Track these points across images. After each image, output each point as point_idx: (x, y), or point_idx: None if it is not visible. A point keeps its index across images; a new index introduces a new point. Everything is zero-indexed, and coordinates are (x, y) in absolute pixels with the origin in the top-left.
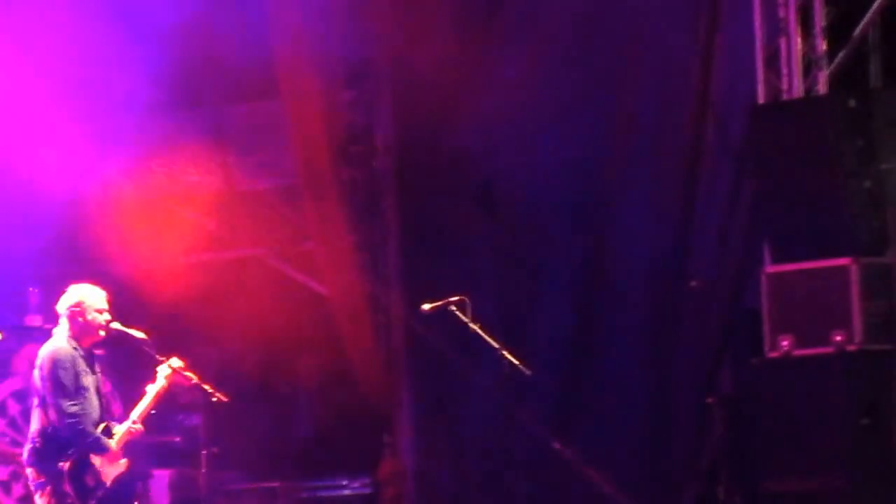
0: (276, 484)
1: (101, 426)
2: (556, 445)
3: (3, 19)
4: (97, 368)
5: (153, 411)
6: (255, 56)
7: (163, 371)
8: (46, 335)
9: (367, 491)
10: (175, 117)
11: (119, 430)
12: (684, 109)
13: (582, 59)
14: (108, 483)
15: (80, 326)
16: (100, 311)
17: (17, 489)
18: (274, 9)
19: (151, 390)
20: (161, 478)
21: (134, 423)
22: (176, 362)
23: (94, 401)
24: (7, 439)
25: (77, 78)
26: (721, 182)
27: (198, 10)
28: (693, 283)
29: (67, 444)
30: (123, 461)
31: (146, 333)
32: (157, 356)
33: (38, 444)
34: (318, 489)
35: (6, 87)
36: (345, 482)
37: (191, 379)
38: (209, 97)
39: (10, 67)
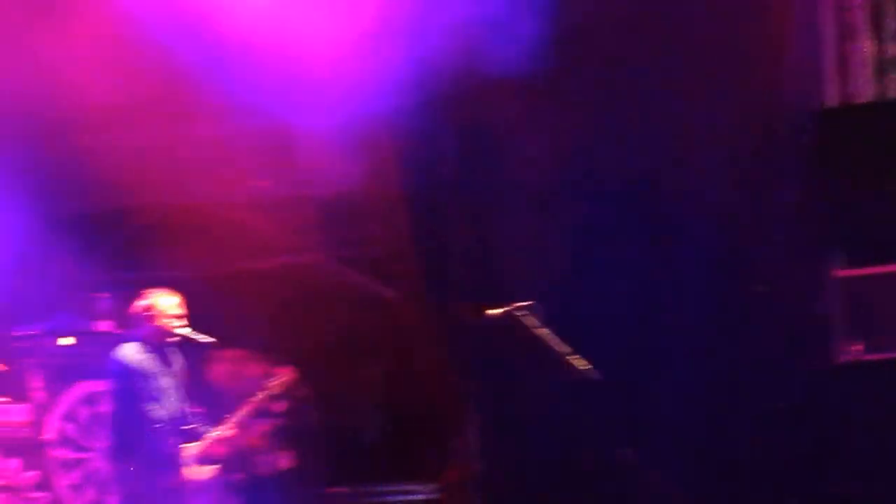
0: (343, 490)
1: (187, 426)
2: (622, 451)
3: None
4: (176, 361)
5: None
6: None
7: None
8: (116, 340)
9: (434, 497)
10: (242, 123)
11: (206, 436)
12: (754, 113)
13: (650, 64)
14: (191, 485)
15: (152, 330)
16: (171, 317)
17: (89, 493)
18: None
19: (252, 402)
20: (216, 485)
21: (220, 432)
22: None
23: (171, 399)
24: (77, 444)
25: (144, 84)
26: (790, 186)
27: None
28: (759, 288)
29: (140, 447)
30: (209, 468)
31: (215, 340)
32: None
33: (115, 448)
34: (384, 495)
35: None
36: (411, 488)
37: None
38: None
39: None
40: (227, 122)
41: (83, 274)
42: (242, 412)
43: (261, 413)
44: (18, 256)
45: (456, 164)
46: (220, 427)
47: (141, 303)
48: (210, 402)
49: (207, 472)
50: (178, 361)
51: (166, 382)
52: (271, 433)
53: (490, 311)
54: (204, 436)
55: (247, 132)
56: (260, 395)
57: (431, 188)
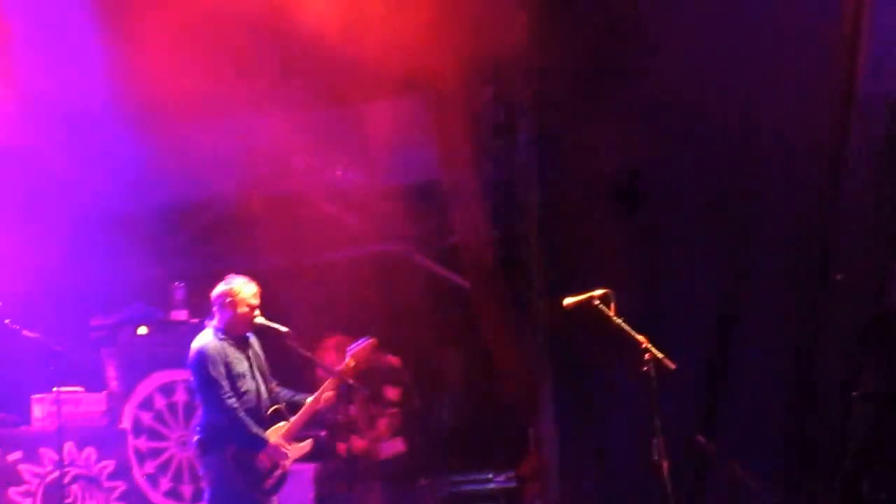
0: (420, 478)
1: (271, 409)
2: (700, 440)
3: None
4: (254, 350)
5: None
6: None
7: (329, 385)
8: (192, 329)
9: (512, 485)
10: (318, 114)
11: (286, 421)
12: (828, 104)
13: (723, 54)
14: (285, 467)
15: (230, 318)
16: (250, 306)
17: (164, 483)
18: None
19: (314, 398)
20: (305, 472)
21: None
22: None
23: (251, 385)
24: (154, 433)
25: (225, 74)
26: (865, 178)
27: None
28: (838, 277)
29: (228, 435)
30: (307, 442)
31: (290, 329)
32: (302, 351)
33: (201, 436)
34: (462, 483)
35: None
36: (489, 476)
37: (335, 376)
38: (353, 94)
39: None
40: (310, 112)
41: (160, 264)
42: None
43: (372, 399)
44: (96, 246)
45: (534, 154)
46: (303, 410)
47: (219, 292)
48: (292, 386)
49: (296, 450)
50: (257, 349)
51: (244, 369)
52: (388, 420)
53: (567, 301)
54: (288, 419)
55: (330, 122)
56: (348, 378)
57: (509, 178)
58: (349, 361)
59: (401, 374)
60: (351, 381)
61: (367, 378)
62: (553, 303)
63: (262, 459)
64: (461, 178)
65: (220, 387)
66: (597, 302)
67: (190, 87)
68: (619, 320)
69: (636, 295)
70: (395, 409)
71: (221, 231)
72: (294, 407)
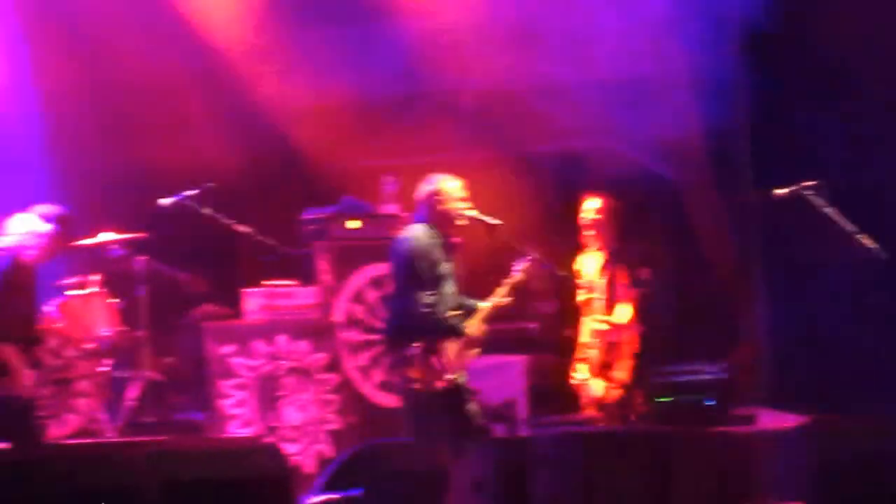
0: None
1: (458, 312)
2: None
3: None
4: (453, 256)
5: (509, 302)
6: None
7: (520, 264)
8: (402, 223)
9: (723, 376)
10: (525, 7)
11: (480, 313)
12: None
13: None
14: (460, 369)
15: (440, 215)
16: (457, 200)
17: (376, 375)
18: None
19: (508, 282)
20: (517, 363)
21: (490, 308)
22: (532, 253)
23: (450, 288)
24: (365, 326)
25: None
26: None
27: None
28: None
29: (420, 332)
30: (476, 350)
31: (501, 222)
32: (513, 244)
33: (391, 331)
34: (674, 375)
35: None
36: (701, 368)
37: (547, 268)
38: None
39: None
40: (518, 5)
41: (371, 158)
42: (503, 297)
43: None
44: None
45: (745, 46)
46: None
47: (426, 187)
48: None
49: (474, 354)
50: (457, 251)
51: (447, 271)
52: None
53: (777, 191)
54: (477, 311)
55: (537, 17)
56: (517, 281)
57: (720, 71)
58: (519, 275)
59: (655, 253)
60: (561, 274)
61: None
62: (763, 194)
63: (437, 361)
64: (671, 71)
65: (425, 283)
66: (808, 192)
67: None
68: (829, 210)
69: (847, 182)
70: (646, 290)
71: (431, 125)
72: (470, 312)
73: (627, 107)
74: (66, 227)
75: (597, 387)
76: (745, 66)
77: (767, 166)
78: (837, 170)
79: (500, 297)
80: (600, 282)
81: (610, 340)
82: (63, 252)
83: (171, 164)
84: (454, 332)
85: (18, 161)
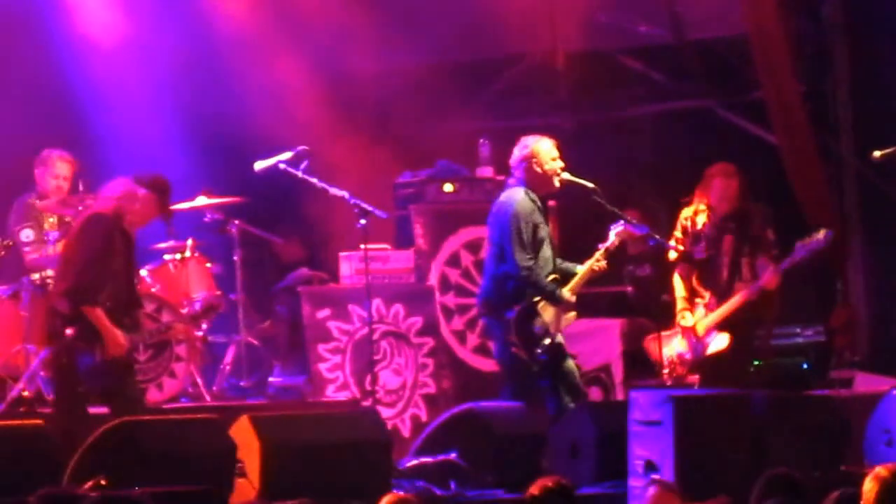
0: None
1: (553, 276)
2: None
3: None
4: (549, 219)
5: (604, 266)
6: None
7: (615, 228)
8: (497, 186)
9: (821, 339)
10: None
11: (577, 277)
12: None
13: None
14: (557, 333)
15: (537, 177)
16: (551, 162)
17: (472, 339)
18: None
19: (604, 246)
20: (613, 327)
21: (586, 272)
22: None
23: (549, 252)
24: (461, 290)
25: None
26: None
27: None
28: None
29: (519, 295)
30: (573, 314)
31: (595, 186)
32: (609, 207)
33: (489, 294)
34: (773, 337)
35: None
36: (798, 330)
37: (644, 231)
38: None
39: None
40: None
41: (466, 120)
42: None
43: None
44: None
45: (841, 4)
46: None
47: (521, 150)
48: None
49: (572, 318)
50: (552, 214)
51: (545, 235)
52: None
53: (877, 154)
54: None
55: None
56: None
57: (816, 29)
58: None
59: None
60: (657, 237)
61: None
62: (863, 155)
63: (537, 325)
64: (768, 32)
65: (526, 246)
66: None
67: None
68: None
69: None
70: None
71: (526, 87)
72: (566, 276)
73: (723, 66)
74: (163, 192)
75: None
76: (847, 24)
77: (868, 129)
78: None
79: (596, 261)
80: (716, 239)
81: (747, 300)
82: (160, 217)
83: (266, 129)
84: (552, 296)
85: (118, 125)
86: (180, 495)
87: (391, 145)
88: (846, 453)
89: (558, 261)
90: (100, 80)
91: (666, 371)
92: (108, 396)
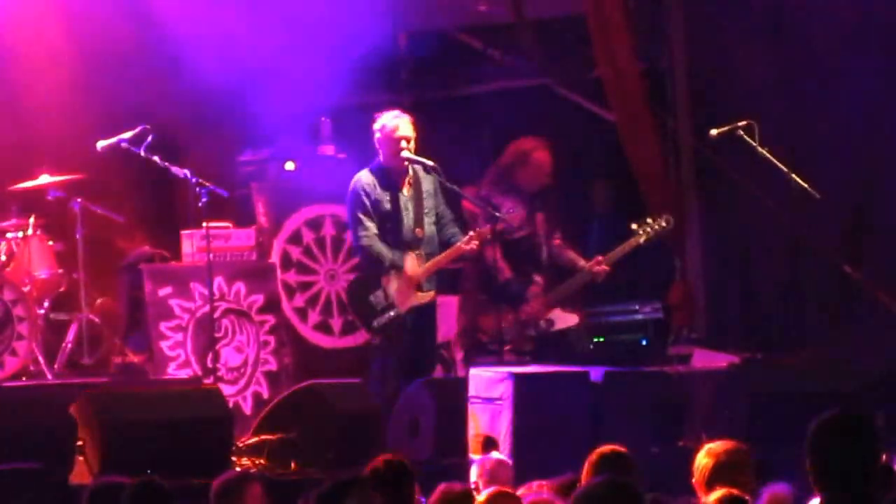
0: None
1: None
2: (847, 269)
3: None
4: (418, 189)
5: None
6: None
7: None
8: (338, 164)
9: (658, 316)
10: None
11: (440, 255)
12: None
13: None
14: (403, 308)
15: (384, 152)
16: (399, 138)
17: (313, 316)
18: None
19: (476, 231)
20: (451, 303)
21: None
22: None
23: (397, 223)
24: (303, 267)
25: None
26: None
27: None
28: None
29: (364, 266)
30: (430, 291)
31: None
32: (448, 185)
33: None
34: (609, 314)
35: None
36: (636, 307)
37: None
38: None
39: None
40: None
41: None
42: None
43: None
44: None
45: None
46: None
47: (375, 123)
48: None
49: (426, 296)
50: (427, 188)
51: (389, 208)
52: None
53: (712, 132)
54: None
55: None
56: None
57: (653, 8)
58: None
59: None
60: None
61: None
62: (698, 134)
63: (375, 296)
64: (606, 10)
65: (362, 220)
66: (741, 132)
67: None
68: (763, 150)
69: (780, 123)
70: None
71: (366, 65)
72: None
73: (562, 45)
74: None
75: None
76: (683, 6)
77: (703, 106)
78: (773, 111)
79: (464, 242)
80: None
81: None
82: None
83: (108, 106)
84: (393, 266)
85: None
86: (20, 472)
87: (235, 123)
88: (684, 429)
89: (453, 233)
90: None
91: (507, 348)
92: None
